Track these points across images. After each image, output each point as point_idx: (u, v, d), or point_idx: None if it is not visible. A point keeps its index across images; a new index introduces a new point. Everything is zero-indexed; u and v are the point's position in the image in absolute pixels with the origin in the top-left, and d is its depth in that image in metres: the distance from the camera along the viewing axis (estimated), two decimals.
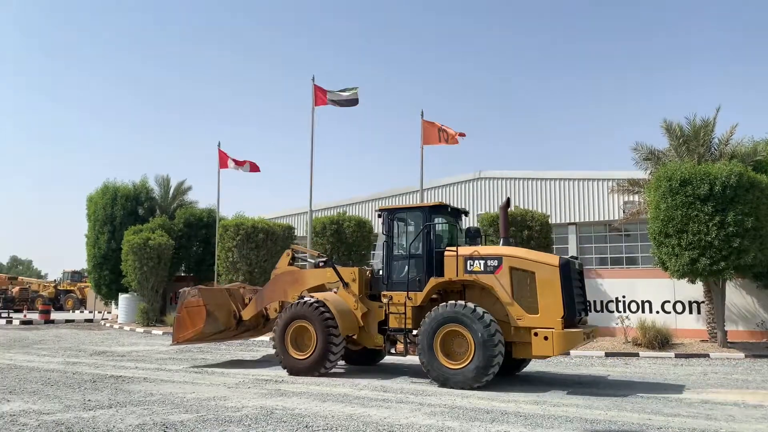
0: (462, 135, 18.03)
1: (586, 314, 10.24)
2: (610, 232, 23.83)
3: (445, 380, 9.19)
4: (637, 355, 14.33)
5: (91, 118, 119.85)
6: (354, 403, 7.71)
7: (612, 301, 17.57)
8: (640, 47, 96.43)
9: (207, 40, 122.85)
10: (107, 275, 26.60)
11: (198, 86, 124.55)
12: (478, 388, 8.92)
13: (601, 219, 23.79)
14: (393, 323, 10.27)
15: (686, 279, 14.70)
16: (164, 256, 24.40)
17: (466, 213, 11.80)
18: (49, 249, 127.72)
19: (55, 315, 30.77)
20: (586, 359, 13.90)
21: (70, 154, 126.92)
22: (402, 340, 10.24)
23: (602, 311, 17.59)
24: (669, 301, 16.98)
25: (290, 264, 12.43)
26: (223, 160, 22.28)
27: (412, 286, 10.14)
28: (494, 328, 8.95)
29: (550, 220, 20.15)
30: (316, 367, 10.31)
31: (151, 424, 6.32)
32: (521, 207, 20.44)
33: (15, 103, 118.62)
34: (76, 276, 44.35)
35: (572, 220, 24.18)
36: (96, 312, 33.75)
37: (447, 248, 10.11)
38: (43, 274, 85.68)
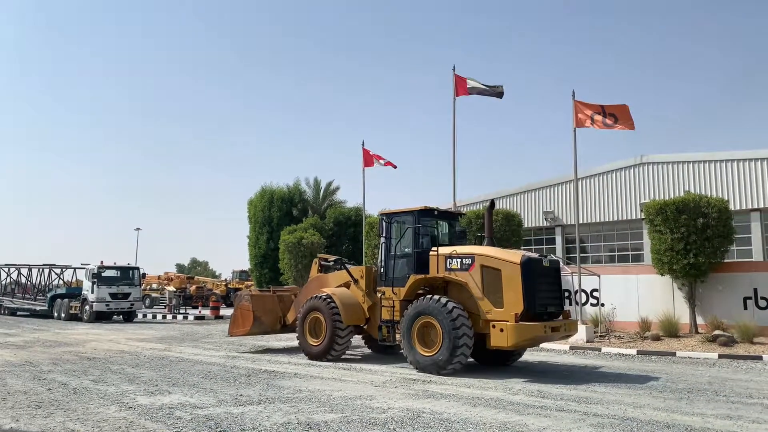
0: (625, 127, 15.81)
1: (561, 309, 10.57)
2: None
3: (420, 366, 10.10)
4: None
5: (241, 126, 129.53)
6: (508, 410, 7.01)
7: None
8: None
9: (346, 42, 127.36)
10: (267, 273, 28.20)
11: (337, 85, 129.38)
12: (450, 374, 9.68)
13: None
14: (385, 315, 11.26)
15: None
16: (317, 254, 25.25)
17: (461, 215, 12.48)
18: (223, 250, 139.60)
19: (224, 311, 33.26)
20: None
21: (232, 160, 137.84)
22: (391, 330, 11.16)
23: None
24: None
25: (319, 271, 13.56)
26: (367, 158, 22.42)
27: (400, 282, 11.12)
28: (456, 316, 9.63)
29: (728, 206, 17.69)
30: (326, 353, 11.59)
31: (295, 423, 6.16)
32: (693, 192, 18.16)
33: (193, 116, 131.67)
34: (243, 275, 47.75)
35: (756, 206, 21.16)
36: None
37: (432, 248, 10.81)
38: (217, 273, 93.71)
